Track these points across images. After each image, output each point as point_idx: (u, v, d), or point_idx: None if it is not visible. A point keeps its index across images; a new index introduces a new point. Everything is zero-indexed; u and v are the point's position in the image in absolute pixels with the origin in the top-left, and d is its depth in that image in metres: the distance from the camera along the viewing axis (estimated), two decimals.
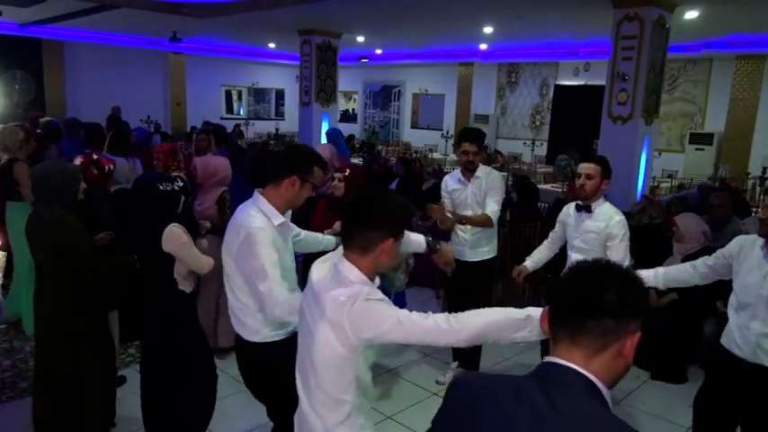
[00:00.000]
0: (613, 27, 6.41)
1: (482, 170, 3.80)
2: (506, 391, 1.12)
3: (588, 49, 12.22)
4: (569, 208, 3.47)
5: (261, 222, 2.20)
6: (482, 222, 3.69)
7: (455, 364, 4.01)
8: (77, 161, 3.60)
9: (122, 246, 3.50)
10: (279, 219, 2.26)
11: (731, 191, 6.82)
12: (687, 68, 11.86)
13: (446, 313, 1.66)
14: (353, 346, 1.62)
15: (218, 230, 3.76)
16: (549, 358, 1.16)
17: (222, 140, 6.39)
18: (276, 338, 2.33)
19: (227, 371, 4.00)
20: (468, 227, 3.76)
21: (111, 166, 3.80)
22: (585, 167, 3.22)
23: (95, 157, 3.76)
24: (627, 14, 6.27)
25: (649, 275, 2.82)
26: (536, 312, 1.61)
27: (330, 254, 1.89)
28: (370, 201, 1.73)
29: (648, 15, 6.15)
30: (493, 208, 3.70)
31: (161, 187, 2.72)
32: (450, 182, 3.91)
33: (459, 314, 1.65)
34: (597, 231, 3.21)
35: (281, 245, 2.27)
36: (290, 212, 2.40)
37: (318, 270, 1.77)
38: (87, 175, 3.35)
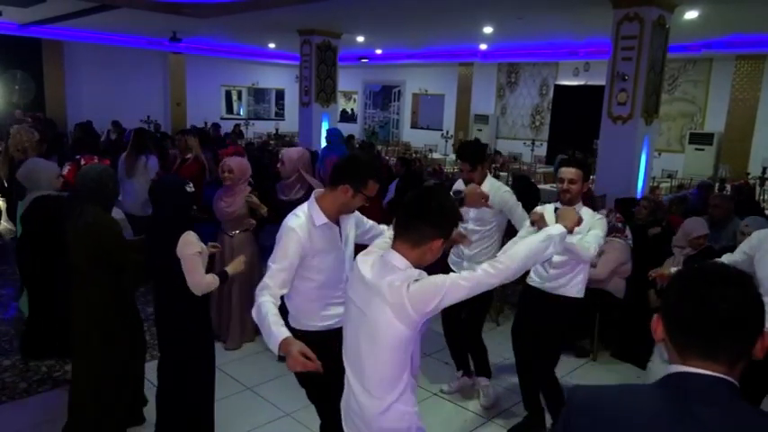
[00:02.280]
0: (613, 27, 6.41)
1: (489, 184, 3.51)
2: (667, 406, 1.04)
3: (588, 49, 12.22)
4: (550, 212, 3.19)
5: (296, 223, 2.31)
6: None
7: (460, 373, 3.95)
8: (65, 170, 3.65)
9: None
10: (321, 220, 2.33)
11: (747, 190, 6.87)
12: (687, 68, 11.86)
13: (486, 263, 1.87)
14: (414, 323, 1.76)
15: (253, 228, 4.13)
16: (681, 368, 1.08)
17: (204, 142, 6.42)
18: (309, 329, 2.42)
19: (228, 371, 4.01)
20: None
21: None
22: (568, 172, 3.08)
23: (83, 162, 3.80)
24: (627, 14, 6.27)
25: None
26: (553, 230, 2.04)
27: (371, 248, 2.02)
28: (431, 199, 1.84)
29: (648, 15, 6.15)
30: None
31: (188, 189, 2.78)
32: (458, 186, 3.80)
33: (499, 256, 1.92)
34: (582, 234, 3.13)
35: (321, 245, 2.34)
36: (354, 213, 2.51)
37: (364, 263, 1.90)
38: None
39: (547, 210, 3.20)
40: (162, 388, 2.93)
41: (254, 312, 2.19)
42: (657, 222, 4.99)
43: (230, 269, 2.95)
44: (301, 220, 2.31)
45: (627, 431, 1.04)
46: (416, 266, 1.83)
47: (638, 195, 6.70)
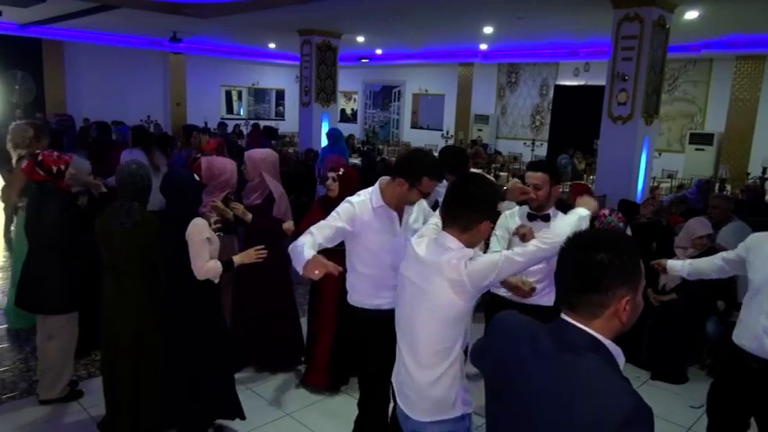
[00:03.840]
0: (613, 27, 6.41)
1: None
2: (527, 333, 1.35)
3: (588, 49, 12.22)
4: (514, 217, 3.10)
5: (356, 199, 2.53)
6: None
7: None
8: None
9: None
10: (379, 202, 2.52)
11: (756, 191, 6.89)
12: (687, 68, 11.86)
13: (535, 239, 2.04)
14: (471, 296, 1.93)
15: (227, 231, 3.76)
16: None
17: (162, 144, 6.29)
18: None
19: None
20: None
21: (62, 167, 3.56)
22: (533, 177, 2.93)
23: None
24: (627, 14, 6.27)
25: (676, 264, 2.98)
26: (582, 211, 2.22)
27: (422, 231, 2.17)
28: (471, 186, 1.98)
29: (648, 15, 6.15)
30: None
31: (198, 178, 2.90)
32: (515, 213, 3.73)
33: (545, 232, 2.10)
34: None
35: (373, 224, 2.51)
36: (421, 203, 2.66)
37: (419, 244, 2.04)
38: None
39: (510, 214, 3.11)
40: (174, 377, 2.96)
41: (290, 248, 2.31)
42: (658, 223, 5.00)
43: (238, 258, 2.95)
44: (361, 198, 2.53)
45: (502, 338, 1.41)
46: (468, 247, 1.96)
47: (639, 195, 6.70)
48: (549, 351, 1.27)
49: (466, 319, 1.98)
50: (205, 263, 2.76)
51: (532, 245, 2.01)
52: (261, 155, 3.89)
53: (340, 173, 3.51)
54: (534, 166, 3.07)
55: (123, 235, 2.86)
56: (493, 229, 2.06)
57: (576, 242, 1.30)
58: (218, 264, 2.82)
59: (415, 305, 2.00)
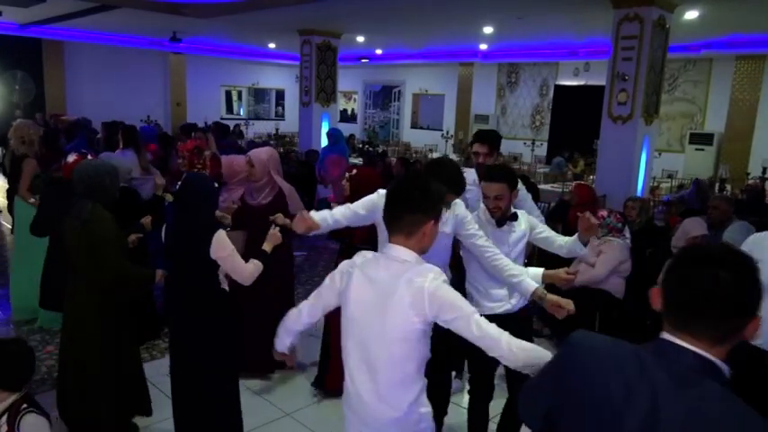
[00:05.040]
0: (613, 27, 6.41)
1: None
2: (632, 362, 1.15)
3: (588, 49, 12.22)
4: (487, 228, 2.93)
5: (384, 191, 2.57)
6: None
7: (453, 374, 3.99)
8: (71, 159, 3.63)
9: (154, 246, 3.50)
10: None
11: (757, 191, 6.91)
12: (687, 68, 11.86)
13: (507, 333, 1.77)
14: (428, 323, 1.79)
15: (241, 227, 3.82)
16: (664, 335, 1.18)
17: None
18: None
19: None
20: None
21: None
22: (491, 189, 2.80)
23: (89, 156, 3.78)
24: (627, 14, 6.27)
25: None
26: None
27: (364, 252, 1.96)
28: (407, 188, 1.86)
29: (648, 15, 6.15)
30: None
31: (214, 184, 2.84)
32: (469, 176, 3.71)
33: (517, 341, 1.77)
34: (524, 234, 3.04)
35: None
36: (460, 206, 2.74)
37: (368, 266, 1.88)
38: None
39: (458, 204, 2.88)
40: (183, 395, 2.87)
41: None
42: (652, 227, 5.00)
43: (267, 246, 2.88)
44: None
45: (597, 370, 1.18)
46: (420, 254, 1.85)
47: (639, 195, 6.70)
48: (668, 381, 1.09)
49: (426, 346, 1.84)
50: (246, 268, 2.72)
51: (506, 336, 1.76)
52: (267, 154, 3.87)
53: (353, 173, 3.55)
54: (491, 176, 2.83)
55: (74, 233, 2.85)
56: (436, 227, 1.86)
57: (718, 262, 1.11)
58: (256, 262, 2.77)
59: (371, 332, 1.83)
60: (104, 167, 3.01)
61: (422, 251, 1.85)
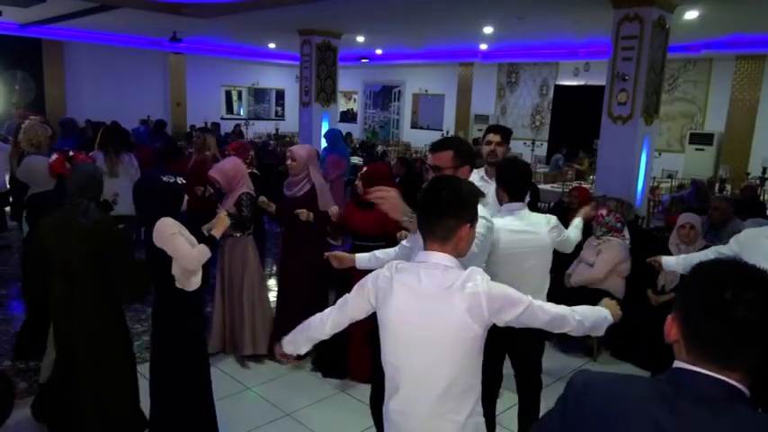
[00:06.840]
0: (613, 27, 6.41)
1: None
2: (655, 399, 1.05)
3: (588, 49, 12.22)
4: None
5: None
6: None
7: None
8: (53, 158, 3.69)
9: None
10: None
11: (754, 191, 6.93)
12: (687, 68, 11.86)
13: (563, 306, 1.83)
14: (486, 326, 1.73)
15: (240, 229, 4.00)
16: (683, 365, 1.08)
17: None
18: None
19: (229, 372, 4.01)
20: None
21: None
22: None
23: (71, 153, 3.82)
24: (627, 14, 6.26)
25: (670, 260, 3.02)
26: (608, 314, 1.95)
27: (393, 263, 1.85)
28: (440, 190, 1.77)
29: (648, 15, 6.14)
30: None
31: (164, 179, 2.74)
32: (473, 179, 3.73)
33: (577, 308, 1.85)
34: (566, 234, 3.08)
35: None
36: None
37: (409, 276, 1.77)
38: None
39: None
40: (157, 387, 2.88)
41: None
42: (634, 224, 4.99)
43: (216, 231, 2.88)
44: None
45: (615, 416, 1.07)
46: (457, 258, 1.79)
47: (639, 195, 6.70)
48: (706, 414, 1.01)
49: (482, 350, 1.78)
50: (190, 251, 2.65)
51: (568, 310, 1.82)
52: (307, 150, 4.23)
53: (363, 171, 3.87)
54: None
55: (81, 234, 2.77)
56: (473, 231, 1.80)
57: (749, 281, 1.02)
58: (202, 246, 2.71)
59: (425, 346, 1.74)
60: (98, 170, 3.05)
61: (459, 256, 1.78)
